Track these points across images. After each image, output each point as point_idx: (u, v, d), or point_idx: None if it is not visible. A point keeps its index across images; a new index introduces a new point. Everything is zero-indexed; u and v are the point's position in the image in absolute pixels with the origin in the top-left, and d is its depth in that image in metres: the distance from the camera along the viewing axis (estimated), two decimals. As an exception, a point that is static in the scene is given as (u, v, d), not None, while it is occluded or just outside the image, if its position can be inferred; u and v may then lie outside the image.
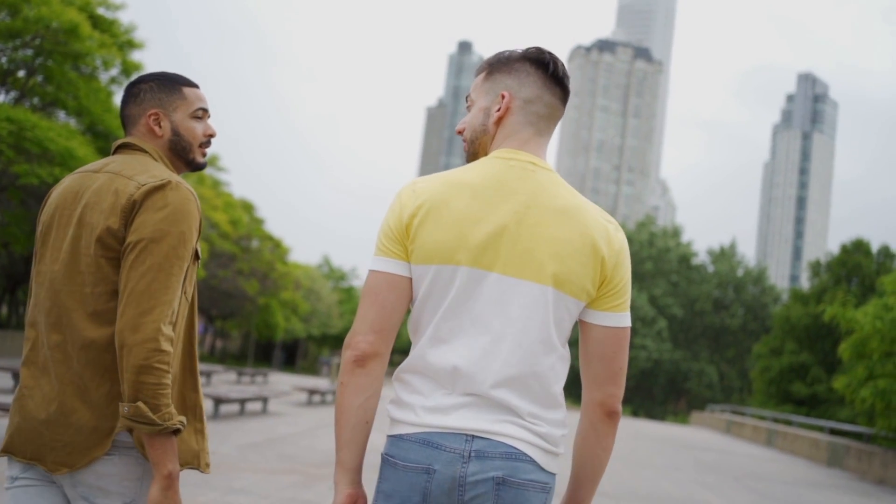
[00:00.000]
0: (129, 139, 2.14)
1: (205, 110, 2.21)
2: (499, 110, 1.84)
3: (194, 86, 2.22)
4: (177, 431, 1.91)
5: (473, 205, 1.73)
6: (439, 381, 1.73)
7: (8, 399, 11.57)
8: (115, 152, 2.16)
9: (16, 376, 13.28)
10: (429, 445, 1.69)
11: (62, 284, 1.97)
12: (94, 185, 2.02)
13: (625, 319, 1.80)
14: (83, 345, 1.94)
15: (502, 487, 1.66)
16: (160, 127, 2.15)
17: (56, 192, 2.10)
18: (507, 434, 1.69)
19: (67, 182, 2.09)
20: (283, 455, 9.66)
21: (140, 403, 1.85)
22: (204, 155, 2.23)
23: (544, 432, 1.72)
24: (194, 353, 2.12)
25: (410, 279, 1.76)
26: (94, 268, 1.95)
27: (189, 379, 2.11)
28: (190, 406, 2.10)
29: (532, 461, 1.70)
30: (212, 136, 2.23)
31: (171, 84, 2.18)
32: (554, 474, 1.77)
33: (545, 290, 1.72)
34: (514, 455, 1.68)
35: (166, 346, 1.88)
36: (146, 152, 2.12)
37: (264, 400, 15.37)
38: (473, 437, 1.68)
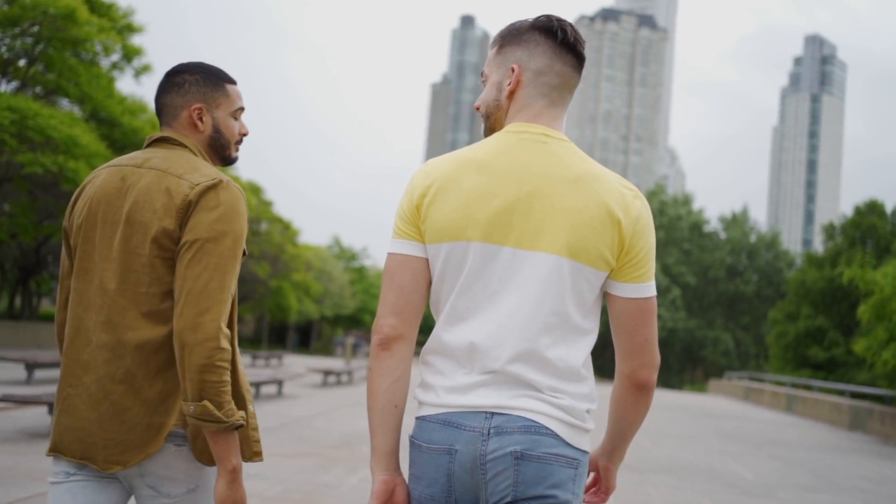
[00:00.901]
0: (168, 133, 2.12)
1: (242, 109, 2.22)
2: (510, 84, 1.82)
3: (235, 83, 2.22)
4: (239, 427, 1.93)
5: (483, 181, 1.72)
6: (458, 360, 1.72)
7: (18, 390, 11.47)
8: (150, 145, 2.13)
9: (29, 367, 13.19)
10: (449, 425, 1.68)
11: (114, 283, 1.97)
12: (140, 181, 2.00)
13: (647, 290, 1.75)
14: (137, 344, 1.95)
15: (521, 461, 1.63)
16: (202, 122, 2.13)
17: (94, 186, 2.06)
18: (525, 408, 1.66)
19: (105, 175, 2.06)
20: (299, 438, 9.54)
21: (206, 402, 1.87)
22: (237, 150, 2.24)
23: (566, 405, 1.68)
24: (236, 348, 2.13)
25: (426, 259, 1.76)
26: (148, 268, 1.96)
27: (233, 374, 2.11)
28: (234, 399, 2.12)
29: (554, 434, 1.66)
30: (245, 135, 2.24)
31: (216, 79, 2.16)
32: (584, 451, 1.71)
33: (560, 260, 1.68)
34: (534, 428, 1.65)
35: (225, 343, 1.91)
36: (186, 147, 2.10)
37: (279, 383, 15.28)
38: (493, 413, 1.66)
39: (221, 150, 2.18)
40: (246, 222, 2.03)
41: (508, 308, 1.69)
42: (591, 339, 1.75)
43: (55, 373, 15.37)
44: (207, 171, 2.02)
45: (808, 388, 27.25)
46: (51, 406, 8.13)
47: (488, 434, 1.65)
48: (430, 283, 1.78)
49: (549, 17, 1.82)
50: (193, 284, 1.90)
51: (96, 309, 1.98)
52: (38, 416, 9.40)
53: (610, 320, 1.79)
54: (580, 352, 1.72)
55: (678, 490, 8.04)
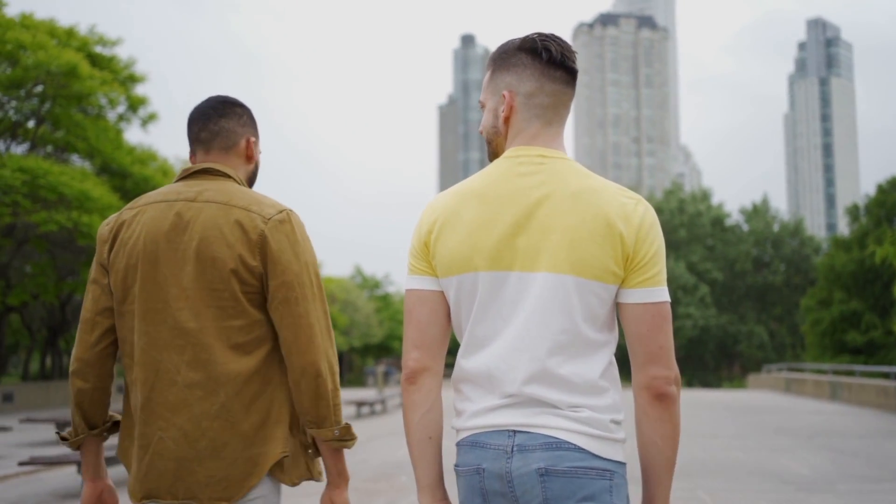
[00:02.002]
0: (212, 164, 2.11)
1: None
2: (504, 111, 1.84)
3: None
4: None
5: (483, 210, 1.75)
6: (482, 386, 1.74)
7: (48, 451, 11.32)
8: (189, 176, 2.11)
9: (59, 426, 13.04)
10: (477, 446, 1.72)
11: (193, 321, 1.97)
12: (200, 216, 2.00)
13: (657, 294, 1.71)
14: (228, 378, 1.96)
15: (547, 478, 1.64)
16: (253, 153, 2.20)
17: (143, 224, 2.03)
18: (546, 425, 1.67)
19: (153, 212, 2.04)
20: (335, 473, 9.26)
21: (346, 423, 2.03)
22: None
23: (586, 417, 1.68)
24: None
25: (441, 292, 1.81)
26: (231, 302, 1.97)
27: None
28: (297, 422, 2.12)
29: (578, 448, 1.66)
30: None
31: (255, 120, 2.25)
32: (617, 461, 1.70)
33: (564, 279, 1.68)
34: (555, 444, 1.66)
35: (338, 367, 2.06)
36: (231, 178, 2.11)
37: (312, 418, 15.00)
38: (515, 432, 1.68)
39: (251, 184, 2.24)
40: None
41: (517, 331, 1.71)
42: (608, 351, 1.75)
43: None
44: (269, 201, 2.06)
45: (851, 373, 26.67)
46: (79, 465, 7.94)
47: (511, 451, 1.67)
48: (448, 314, 1.82)
49: (534, 38, 1.81)
50: (304, 320, 1.98)
51: (176, 349, 1.97)
52: (69, 477, 9.21)
53: (624, 331, 1.75)
54: (597, 364, 1.71)
55: (732, 493, 7.71)
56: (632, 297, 1.71)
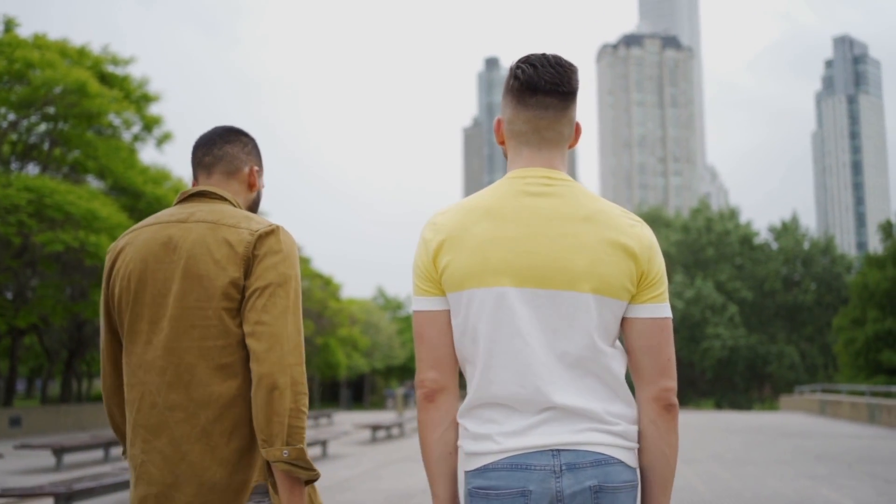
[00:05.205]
0: (209, 188, 2.11)
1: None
2: (499, 138, 1.90)
3: None
4: (316, 480, 1.92)
5: (493, 226, 1.75)
6: (509, 406, 1.74)
7: (44, 479, 10.73)
8: (185, 200, 2.10)
9: (56, 452, 12.52)
10: (518, 468, 1.69)
11: (177, 341, 1.93)
12: (190, 235, 1.98)
13: (665, 310, 1.79)
14: (210, 401, 1.91)
15: (601, 494, 1.68)
16: (256, 182, 2.20)
17: (136, 246, 2.02)
18: (592, 442, 1.71)
19: (147, 234, 2.03)
20: (340, 503, 8.62)
21: (301, 446, 1.87)
22: None
23: (623, 430, 1.74)
24: None
25: (448, 311, 1.80)
26: (215, 321, 1.93)
27: None
28: None
29: (620, 462, 1.72)
30: None
31: (259, 151, 2.26)
32: (636, 469, 1.78)
33: (585, 297, 1.72)
34: (604, 460, 1.70)
35: (306, 389, 1.93)
36: (227, 200, 2.11)
37: (323, 443, 14.49)
38: (559, 451, 1.69)
39: (254, 213, 2.21)
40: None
41: (544, 348, 1.72)
42: (622, 363, 1.78)
43: (90, 455, 14.73)
44: (259, 219, 2.03)
45: (890, 395, 25.59)
46: (57, 496, 7.38)
47: (560, 471, 1.67)
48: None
49: (515, 64, 1.81)
50: (273, 328, 1.89)
51: (158, 370, 1.93)
52: (51, 509, 8.62)
53: (628, 345, 1.80)
54: (618, 376, 1.76)
55: (771, 529, 6.93)
56: (643, 312, 1.77)
